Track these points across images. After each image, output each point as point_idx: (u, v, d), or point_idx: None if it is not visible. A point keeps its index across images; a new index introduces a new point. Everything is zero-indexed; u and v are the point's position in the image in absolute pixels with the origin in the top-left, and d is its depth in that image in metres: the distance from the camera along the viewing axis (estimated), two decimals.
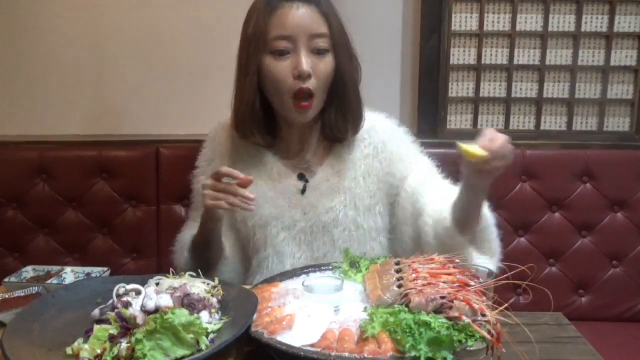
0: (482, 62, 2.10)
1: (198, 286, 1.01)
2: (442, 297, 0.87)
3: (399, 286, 0.93)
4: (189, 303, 0.94)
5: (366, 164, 1.36)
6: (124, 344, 0.85)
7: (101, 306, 0.97)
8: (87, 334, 0.92)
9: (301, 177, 1.37)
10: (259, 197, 1.33)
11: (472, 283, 0.92)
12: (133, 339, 0.84)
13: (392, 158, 1.37)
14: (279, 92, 1.28)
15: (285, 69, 1.25)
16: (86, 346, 0.87)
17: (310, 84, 1.26)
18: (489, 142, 1.02)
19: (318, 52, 1.26)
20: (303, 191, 1.36)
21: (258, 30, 1.26)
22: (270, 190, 1.35)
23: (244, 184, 1.18)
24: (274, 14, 1.25)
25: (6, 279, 1.26)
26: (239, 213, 1.34)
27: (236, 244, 1.43)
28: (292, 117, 1.31)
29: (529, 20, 2.08)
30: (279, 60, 1.26)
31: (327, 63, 1.27)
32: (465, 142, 1.03)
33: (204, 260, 1.34)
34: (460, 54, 2.11)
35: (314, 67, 1.26)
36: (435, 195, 1.29)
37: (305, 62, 1.24)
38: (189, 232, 1.40)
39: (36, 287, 1.19)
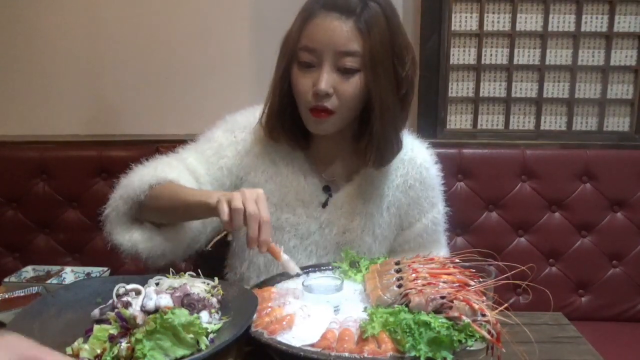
0: (482, 62, 2.10)
1: (198, 286, 1.00)
2: (442, 297, 0.87)
3: (399, 286, 0.93)
4: (189, 303, 0.94)
5: (394, 196, 1.31)
6: (124, 344, 0.85)
7: (101, 306, 0.97)
8: (87, 334, 0.92)
9: (326, 189, 1.31)
10: (281, 199, 1.29)
11: (472, 283, 0.92)
12: (133, 339, 0.84)
13: (415, 199, 1.32)
14: (299, 102, 1.22)
15: (307, 82, 1.17)
16: (86, 346, 0.87)
17: (330, 103, 1.17)
18: None
19: (345, 71, 1.16)
20: (324, 205, 1.30)
21: (291, 37, 1.20)
22: (292, 195, 1.29)
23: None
24: (308, 22, 1.18)
25: (6, 279, 1.26)
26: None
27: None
28: (309, 127, 1.24)
29: (529, 20, 2.08)
30: (302, 72, 1.18)
31: (352, 83, 1.16)
32: None
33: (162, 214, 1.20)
34: (460, 54, 2.11)
35: (337, 86, 1.16)
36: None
37: (325, 81, 1.15)
38: (171, 172, 1.24)
39: (36, 287, 1.19)
